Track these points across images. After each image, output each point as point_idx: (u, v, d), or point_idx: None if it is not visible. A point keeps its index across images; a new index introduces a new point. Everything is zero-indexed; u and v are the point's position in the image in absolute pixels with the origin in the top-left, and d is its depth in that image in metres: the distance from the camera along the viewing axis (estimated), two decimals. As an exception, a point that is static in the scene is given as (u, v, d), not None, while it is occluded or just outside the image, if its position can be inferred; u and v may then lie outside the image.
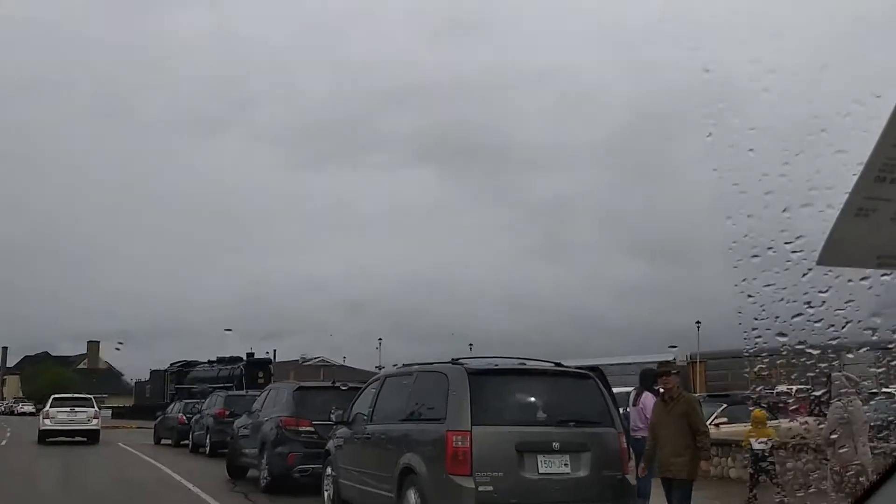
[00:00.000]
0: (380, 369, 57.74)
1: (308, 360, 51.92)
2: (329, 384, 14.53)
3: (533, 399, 7.64)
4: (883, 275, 1.00)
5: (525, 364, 8.03)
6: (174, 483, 14.37)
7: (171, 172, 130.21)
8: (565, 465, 7.21)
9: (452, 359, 8.17)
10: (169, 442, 25.76)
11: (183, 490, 13.42)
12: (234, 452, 15.23)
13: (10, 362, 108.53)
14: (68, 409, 25.80)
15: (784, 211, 1.27)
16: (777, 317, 1.37)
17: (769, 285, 1.29)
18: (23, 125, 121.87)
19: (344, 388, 13.22)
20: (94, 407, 26.80)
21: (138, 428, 34.10)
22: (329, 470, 10.16)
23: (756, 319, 1.39)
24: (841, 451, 8.01)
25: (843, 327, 1.25)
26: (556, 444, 7.17)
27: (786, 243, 1.19)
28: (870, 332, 1.18)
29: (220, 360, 42.17)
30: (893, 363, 1.34)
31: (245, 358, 40.10)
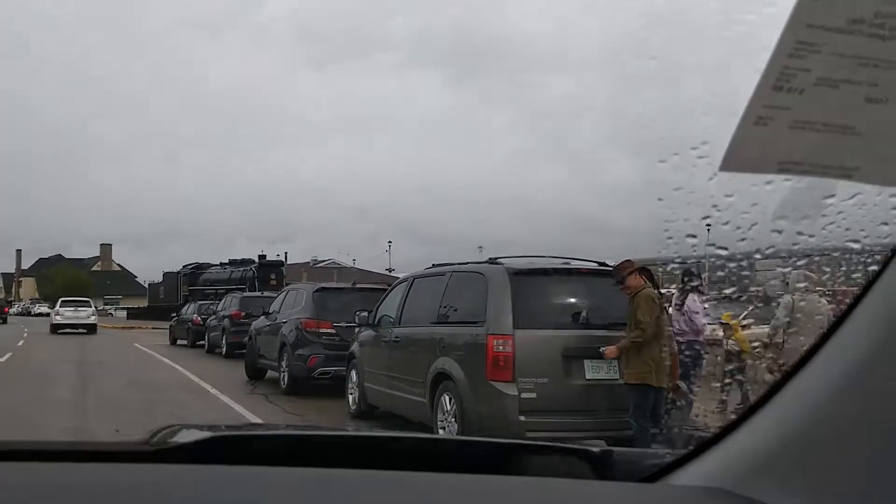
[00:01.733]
0: (390, 271, 57.95)
1: (319, 263, 51.81)
2: (349, 285, 14.01)
3: (578, 301, 7.14)
4: (785, 179, 1.04)
5: (569, 263, 7.60)
6: (193, 385, 14.12)
7: (177, 72, 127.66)
8: (614, 370, 6.74)
9: (490, 258, 7.67)
10: (184, 343, 25.87)
11: (201, 391, 13.16)
12: (253, 354, 14.96)
13: (25, 264, 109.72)
14: (73, 308, 33.42)
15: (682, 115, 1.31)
16: (686, 219, 1.44)
17: (678, 189, 1.34)
18: (27, 30, 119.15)
19: (365, 288, 12.86)
20: (91, 307, 34.02)
21: (154, 329, 34.05)
22: (354, 374, 9.84)
23: (666, 222, 1.46)
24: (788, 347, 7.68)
25: (749, 229, 1.31)
26: (604, 349, 6.68)
27: (692, 148, 1.23)
28: (776, 233, 1.26)
29: (232, 263, 41.97)
30: (799, 264, 1.45)
31: (257, 260, 39.85)
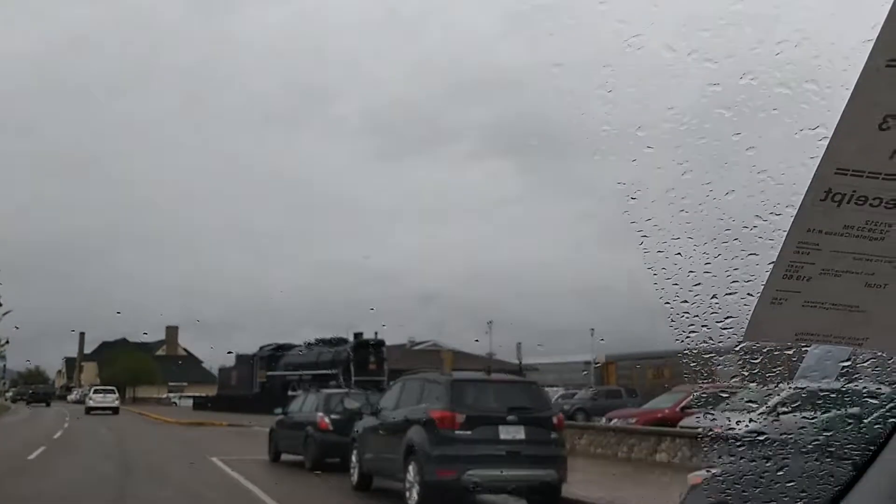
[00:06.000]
0: (490, 356, 50.20)
1: (417, 345, 44.87)
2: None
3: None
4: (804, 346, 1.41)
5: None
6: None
7: (248, 164, 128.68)
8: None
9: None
10: (298, 459, 15.70)
11: None
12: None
13: (88, 349, 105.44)
14: (102, 394, 44.03)
15: (712, 297, 1.53)
16: (716, 378, 1.76)
17: (709, 354, 1.63)
18: (109, 123, 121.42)
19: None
20: (115, 393, 44.60)
21: (230, 427, 26.14)
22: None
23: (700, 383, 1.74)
24: None
25: (775, 385, 1.63)
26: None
27: (717, 322, 1.47)
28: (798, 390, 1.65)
29: (321, 343, 35.05)
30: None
31: (352, 339, 32.81)
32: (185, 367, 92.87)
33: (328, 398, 15.74)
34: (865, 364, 1.33)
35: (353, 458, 12.14)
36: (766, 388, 1.85)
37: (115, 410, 41.37)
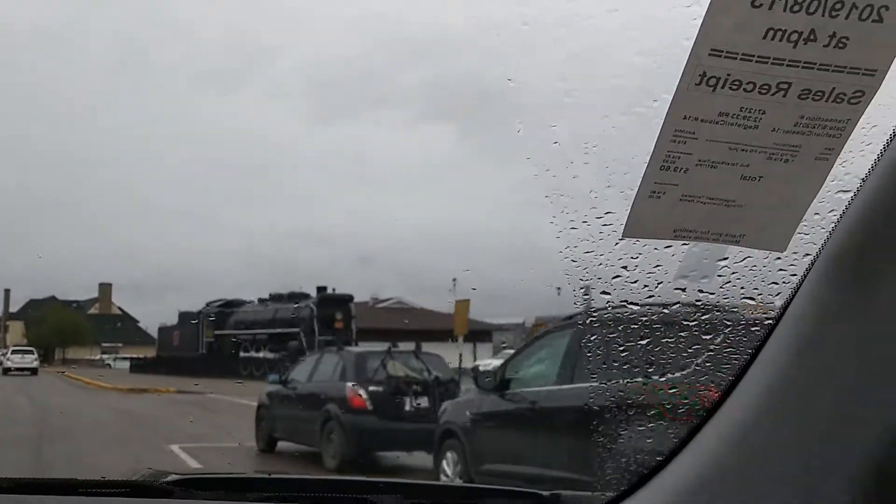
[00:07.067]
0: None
1: (380, 302, 41.33)
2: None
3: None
4: (682, 244, 1.22)
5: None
6: None
7: (186, 123, 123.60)
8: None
9: None
10: (306, 450, 11.50)
11: None
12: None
13: (14, 307, 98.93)
14: (20, 355, 41.69)
15: (590, 191, 1.53)
16: (600, 278, 1.60)
17: (589, 252, 1.50)
18: (36, 75, 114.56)
19: None
20: (34, 354, 42.51)
21: (180, 393, 20.63)
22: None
23: (581, 280, 1.62)
24: None
25: (656, 287, 1.47)
26: None
27: (597, 218, 1.42)
28: (680, 291, 1.45)
29: (276, 298, 31.27)
30: (704, 317, 1.58)
31: (315, 294, 29.08)
32: (120, 327, 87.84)
33: (361, 360, 10.65)
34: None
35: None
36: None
37: (33, 371, 40.58)
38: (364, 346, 11.54)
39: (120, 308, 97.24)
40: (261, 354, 30.72)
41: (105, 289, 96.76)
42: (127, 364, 51.65)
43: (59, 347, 74.56)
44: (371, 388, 9.99)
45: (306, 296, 29.55)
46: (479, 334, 38.83)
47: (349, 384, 10.06)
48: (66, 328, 66.86)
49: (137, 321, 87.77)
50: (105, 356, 64.83)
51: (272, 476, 1.90)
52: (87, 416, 14.65)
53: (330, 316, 27.59)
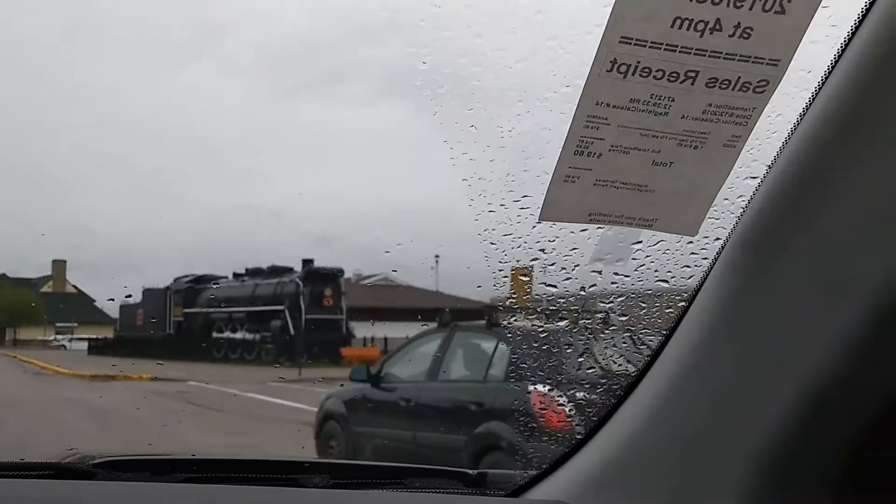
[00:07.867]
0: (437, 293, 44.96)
1: (365, 278, 38.74)
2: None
3: None
4: (598, 227, 1.20)
5: None
6: None
7: (139, 97, 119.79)
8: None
9: None
10: None
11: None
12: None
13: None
14: None
15: (507, 175, 1.54)
16: (518, 260, 1.62)
17: (507, 234, 1.52)
18: None
19: None
20: None
21: (156, 381, 17.11)
22: None
23: (500, 262, 1.64)
24: None
25: (573, 269, 1.49)
26: None
27: (514, 201, 1.43)
28: (596, 274, 1.45)
29: (255, 273, 28.36)
30: (619, 299, 1.61)
31: (301, 267, 26.21)
32: (75, 306, 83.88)
33: (543, 347, 6.10)
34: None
35: None
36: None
37: None
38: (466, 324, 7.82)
39: (75, 286, 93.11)
40: (238, 335, 27.86)
41: (59, 266, 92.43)
42: (84, 345, 47.80)
43: (9, 328, 71.00)
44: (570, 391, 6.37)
45: (290, 270, 26.72)
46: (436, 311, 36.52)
47: (536, 387, 6.49)
48: (18, 307, 62.85)
49: (94, 300, 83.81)
50: (60, 336, 61.07)
51: (198, 457, 1.79)
52: (48, 416, 11.49)
53: (318, 292, 24.87)
